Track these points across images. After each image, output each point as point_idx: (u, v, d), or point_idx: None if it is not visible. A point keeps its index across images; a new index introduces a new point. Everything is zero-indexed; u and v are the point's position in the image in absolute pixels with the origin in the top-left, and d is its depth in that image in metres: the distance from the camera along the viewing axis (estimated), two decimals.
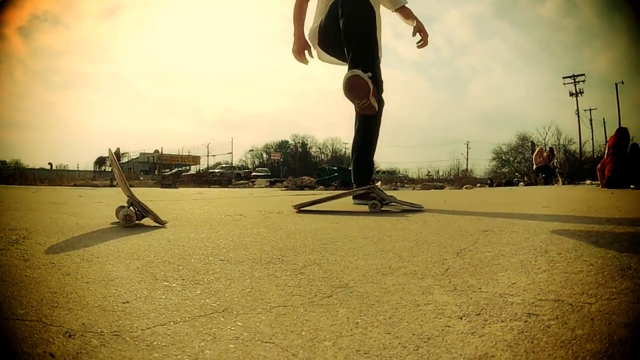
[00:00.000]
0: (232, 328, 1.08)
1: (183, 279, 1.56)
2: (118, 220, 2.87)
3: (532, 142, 45.82)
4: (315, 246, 2.05)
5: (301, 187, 17.28)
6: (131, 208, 2.78)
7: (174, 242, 2.25)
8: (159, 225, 2.81)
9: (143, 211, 2.82)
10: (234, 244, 2.15)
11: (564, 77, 47.11)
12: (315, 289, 1.38)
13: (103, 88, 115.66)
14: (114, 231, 2.59)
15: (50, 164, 50.78)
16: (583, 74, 46.46)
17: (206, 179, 33.00)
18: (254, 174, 40.16)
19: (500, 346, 0.91)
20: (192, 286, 1.48)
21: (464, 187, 15.33)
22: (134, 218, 2.76)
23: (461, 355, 0.89)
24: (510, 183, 20.41)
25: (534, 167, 18.05)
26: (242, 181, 31.39)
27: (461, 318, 1.07)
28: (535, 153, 18.38)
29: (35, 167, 44.73)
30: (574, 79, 46.44)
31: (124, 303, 1.31)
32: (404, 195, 6.04)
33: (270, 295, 1.34)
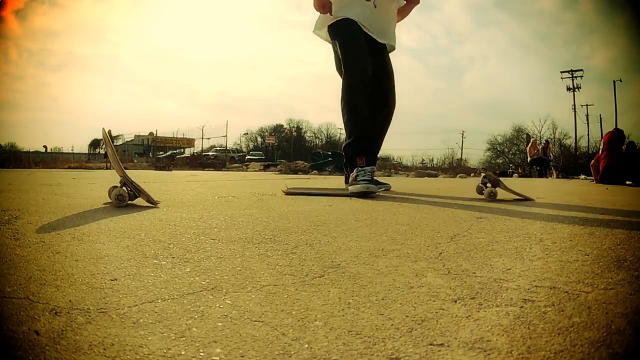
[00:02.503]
0: (221, 306, 1.07)
1: (173, 257, 1.55)
2: (111, 201, 2.87)
3: (527, 134, 45.89)
4: (308, 227, 2.06)
5: (295, 172, 17.30)
6: (124, 188, 2.77)
7: (166, 221, 2.25)
8: (152, 205, 2.82)
9: (136, 191, 2.82)
10: (226, 224, 2.15)
11: (561, 72, 46.98)
12: (307, 269, 1.37)
13: (99, 70, 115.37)
14: (106, 211, 2.60)
15: (45, 146, 50.75)
16: (581, 70, 46.19)
17: (200, 161, 33.05)
18: (248, 157, 40.14)
19: (496, 331, 0.90)
20: (181, 264, 1.47)
21: (458, 176, 15.38)
22: (127, 198, 2.76)
23: (456, 338, 0.87)
24: (504, 174, 20.45)
25: (528, 159, 18.07)
26: (236, 164, 31.47)
27: (455, 301, 1.06)
28: (530, 145, 18.42)
29: (30, 150, 44.66)
30: (572, 74, 46.16)
31: (111, 280, 1.31)
32: (395, 181, 6.03)
33: (261, 274, 1.33)
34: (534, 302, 1.05)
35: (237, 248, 1.67)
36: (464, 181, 7.65)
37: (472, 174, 18.42)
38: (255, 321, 0.96)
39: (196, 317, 1.01)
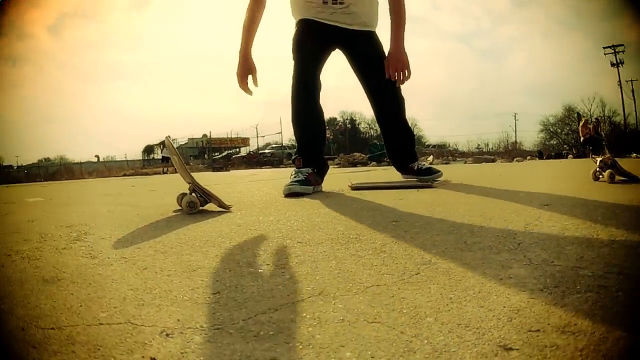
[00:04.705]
0: (334, 311, 1.08)
1: (267, 264, 1.58)
2: (180, 208, 2.91)
3: (578, 113, 44.71)
4: (387, 224, 2.07)
5: (353, 164, 17.28)
6: (193, 194, 2.79)
7: (245, 226, 2.26)
8: (224, 209, 2.83)
9: (206, 197, 2.83)
10: (307, 226, 2.16)
11: (604, 47, 46.05)
12: (402, 267, 1.39)
13: (142, 76, 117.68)
14: (179, 219, 2.61)
15: (97, 156, 51.67)
16: (622, 44, 45.13)
17: (257, 160, 33.34)
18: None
19: (580, 315, 0.95)
20: (279, 271, 1.48)
21: (515, 159, 15.19)
22: (198, 204, 2.77)
23: (549, 324, 0.92)
24: (559, 155, 20.06)
25: (581, 139, 17.60)
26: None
27: (542, 290, 1.10)
28: (581, 124, 17.97)
29: (82, 161, 45.35)
30: (614, 49, 45.17)
31: (214, 294, 1.31)
32: (456, 169, 5.94)
33: (360, 275, 1.34)
34: (607, 287, 1.10)
35: (327, 250, 1.68)
36: (522, 165, 7.54)
37: (528, 157, 18.12)
38: (372, 322, 0.98)
39: (315, 323, 1.02)
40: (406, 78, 3.48)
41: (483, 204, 2.44)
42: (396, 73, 3.50)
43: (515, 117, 55.00)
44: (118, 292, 1.39)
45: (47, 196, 5.94)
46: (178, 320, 1.14)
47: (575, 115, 45.73)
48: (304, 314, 1.10)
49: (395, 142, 3.88)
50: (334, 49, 3.81)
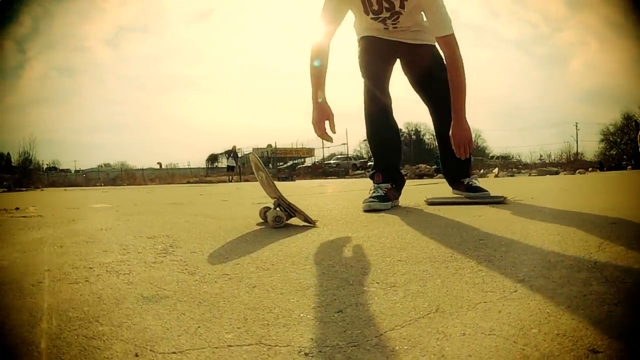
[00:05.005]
0: (454, 326, 1.19)
1: (377, 283, 1.63)
2: (262, 221, 3.05)
3: (636, 122, 43.57)
4: (475, 242, 2.15)
5: (420, 176, 17.20)
6: (278, 209, 2.86)
7: (339, 243, 2.32)
8: (309, 224, 2.89)
9: (291, 211, 2.89)
10: (399, 243, 2.21)
11: None
12: (501, 285, 1.51)
13: (204, 88, 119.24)
14: (267, 234, 2.66)
15: (159, 163, 52.19)
16: None
17: (322, 170, 33.36)
18: (370, 163, 40.42)
19: None
20: (391, 289, 1.55)
21: (577, 171, 15.03)
22: (284, 219, 2.84)
23: (626, 332, 1.11)
24: (619, 167, 19.67)
25: (639, 149, 17.11)
26: (358, 171, 31.20)
27: (616, 304, 1.27)
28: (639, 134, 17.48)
29: (144, 168, 45.90)
30: None
31: (338, 312, 1.37)
32: (523, 184, 5.96)
33: (467, 293, 1.46)
34: None
35: (428, 269, 1.76)
36: (584, 178, 7.44)
37: (589, 169, 17.84)
38: (489, 335, 1.13)
39: (441, 337, 1.13)
40: (471, 150, 3.48)
41: (557, 222, 2.49)
42: (462, 148, 3.45)
43: (576, 126, 53.80)
44: (236, 312, 1.42)
45: (113, 202, 6.12)
46: (311, 339, 1.19)
47: (633, 123, 44.54)
48: (429, 330, 1.19)
49: (450, 156, 3.79)
50: (395, 62, 3.91)
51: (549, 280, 1.53)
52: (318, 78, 3.38)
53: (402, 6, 3.43)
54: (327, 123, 3.35)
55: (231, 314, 1.41)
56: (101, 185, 20.72)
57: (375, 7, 3.49)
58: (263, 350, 1.14)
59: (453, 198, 3.62)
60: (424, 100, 4.02)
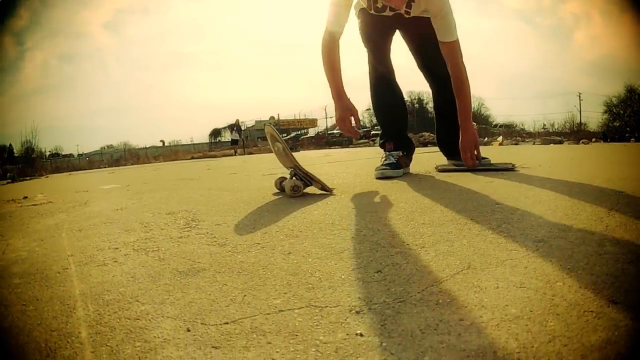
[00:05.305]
0: (487, 280, 1.32)
1: (407, 244, 1.71)
2: (277, 191, 3.11)
3: (639, 95, 43.35)
4: (491, 206, 2.21)
5: (424, 144, 17.17)
6: (294, 179, 2.90)
7: (360, 209, 2.36)
8: (326, 192, 2.95)
9: (308, 180, 2.94)
10: (419, 208, 2.27)
11: None
12: (523, 245, 1.61)
13: (205, 65, 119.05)
14: (287, 203, 2.68)
15: (162, 141, 51.92)
16: None
17: (325, 140, 33.32)
18: (373, 132, 39.65)
19: None
20: (422, 250, 1.63)
21: (581, 142, 15.05)
22: (302, 188, 2.89)
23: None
24: (622, 139, 19.59)
25: None
26: (362, 140, 31.00)
27: (629, 263, 1.39)
28: None
29: (147, 146, 45.67)
30: None
31: (377, 272, 1.45)
32: (529, 152, 5.95)
33: (493, 251, 1.56)
34: None
35: (452, 230, 1.84)
36: (589, 148, 7.31)
37: (593, 139, 17.82)
38: (520, 287, 1.25)
39: (478, 290, 1.25)
40: (477, 155, 3.50)
41: (567, 189, 2.53)
42: (469, 155, 3.47)
43: (579, 97, 53.39)
44: (278, 279, 1.46)
45: (121, 182, 5.94)
46: (359, 298, 1.27)
47: (637, 97, 44.09)
48: (465, 284, 1.30)
49: (447, 129, 3.95)
50: (394, 32, 3.90)
51: (566, 240, 1.62)
52: (333, 71, 3.34)
53: (407, 12, 3.48)
54: (352, 119, 3.30)
55: (274, 280, 1.46)
56: (105, 167, 20.57)
57: (379, 6, 3.53)
58: (315, 312, 1.21)
59: (462, 165, 3.63)
60: (423, 72, 4.07)
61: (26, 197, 4.51)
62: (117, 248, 2.00)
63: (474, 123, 3.59)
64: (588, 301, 1.15)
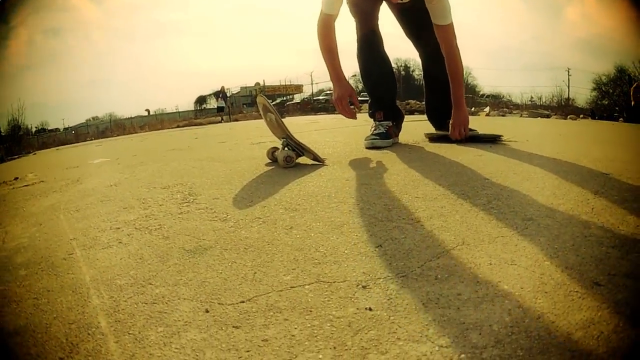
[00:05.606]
0: (481, 257, 1.41)
1: (403, 219, 1.77)
2: (269, 161, 3.12)
3: (629, 76, 43.06)
4: (481, 181, 2.25)
5: (411, 112, 17.13)
6: (286, 149, 2.91)
7: (354, 180, 2.39)
8: (318, 162, 2.96)
9: (300, 150, 2.96)
10: (411, 181, 2.30)
11: None
12: (512, 222, 1.68)
13: (189, 32, 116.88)
14: (281, 174, 2.70)
15: (147, 110, 51.11)
16: None
17: (311, 106, 32.97)
18: (359, 98, 39.64)
19: None
20: (418, 224, 1.70)
21: (569, 117, 15.07)
22: (294, 158, 2.90)
23: (620, 270, 1.32)
24: (611, 117, 19.61)
25: (632, 103, 16.98)
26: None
27: (613, 247, 1.47)
28: (633, 88, 17.30)
29: (132, 116, 45.05)
30: None
31: (377, 247, 1.52)
32: (516, 125, 5.95)
33: (484, 228, 1.64)
34: None
35: (445, 205, 1.91)
36: (577, 125, 7.24)
37: (581, 116, 17.79)
38: (511, 265, 1.36)
39: (472, 267, 1.35)
40: (466, 132, 3.53)
41: (555, 167, 2.54)
42: (458, 131, 3.52)
43: (568, 72, 53.10)
44: (284, 254, 1.51)
45: (111, 155, 5.77)
46: (363, 272, 1.34)
47: (627, 77, 43.85)
48: (460, 260, 1.39)
49: (437, 100, 3.97)
50: (382, 1, 3.83)
51: (554, 220, 1.70)
52: (331, 54, 3.36)
53: None
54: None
55: (280, 256, 1.50)
56: (91, 140, 20.26)
57: None
58: (325, 287, 1.27)
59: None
60: (411, 39, 4.06)
61: (17, 178, 4.36)
62: (118, 228, 2.00)
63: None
64: (574, 282, 1.24)
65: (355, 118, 3.50)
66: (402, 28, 4.02)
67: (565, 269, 1.31)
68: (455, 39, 3.43)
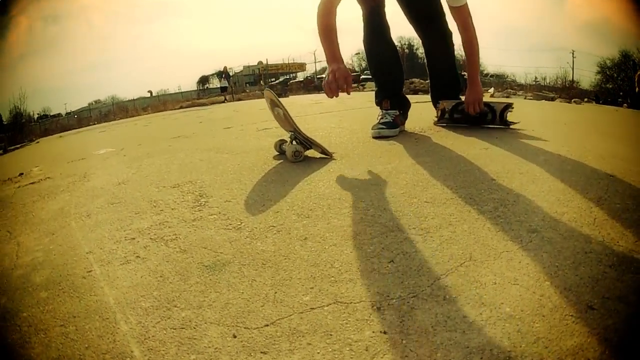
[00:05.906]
0: (486, 275, 1.46)
1: (413, 228, 1.81)
2: (277, 154, 3.18)
3: (634, 61, 42.47)
4: (488, 182, 2.27)
5: (415, 92, 16.97)
6: (294, 143, 2.95)
7: (362, 180, 2.42)
8: (327, 156, 2.99)
9: (308, 144, 2.98)
10: (420, 181, 2.33)
11: None
12: (518, 234, 1.71)
13: (193, 12, 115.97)
14: (290, 170, 2.74)
15: (149, 91, 50.69)
16: None
17: (314, 85, 32.89)
18: (362, 77, 38.86)
19: None
20: (427, 235, 1.74)
21: (573, 100, 14.96)
22: (303, 153, 2.93)
23: (622, 291, 1.36)
24: (615, 102, 19.37)
25: (637, 89, 16.74)
26: (352, 85, 30.75)
27: (611, 267, 1.50)
28: (638, 74, 16.95)
29: (135, 98, 44.77)
30: None
31: (390, 262, 1.56)
32: (520, 108, 5.94)
33: (490, 241, 1.68)
34: None
35: (454, 212, 1.94)
36: (582, 110, 7.06)
37: (585, 99, 17.62)
38: (514, 284, 1.41)
39: (478, 286, 1.40)
40: (480, 107, 3.67)
41: (560, 165, 2.53)
42: (471, 106, 3.68)
43: (573, 54, 52.43)
44: (302, 271, 1.53)
45: (115, 145, 5.61)
46: (377, 292, 1.36)
47: (631, 63, 43.21)
48: (467, 278, 1.42)
49: (440, 82, 4.13)
50: None
51: (557, 232, 1.71)
52: (329, 37, 3.07)
53: None
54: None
55: (298, 273, 1.52)
56: (94, 124, 20.10)
57: None
58: (342, 309, 1.30)
59: (461, 104, 3.81)
60: (414, 26, 4.10)
61: (22, 174, 4.34)
62: (133, 238, 1.98)
63: (463, 73, 3.72)
64: (570, 304, 1.29)
65: (338, 96, 3.05)
66: (402, 10, 4.07)
67: (563, 290, 1.36)
68: (471, 18, 3.55)
